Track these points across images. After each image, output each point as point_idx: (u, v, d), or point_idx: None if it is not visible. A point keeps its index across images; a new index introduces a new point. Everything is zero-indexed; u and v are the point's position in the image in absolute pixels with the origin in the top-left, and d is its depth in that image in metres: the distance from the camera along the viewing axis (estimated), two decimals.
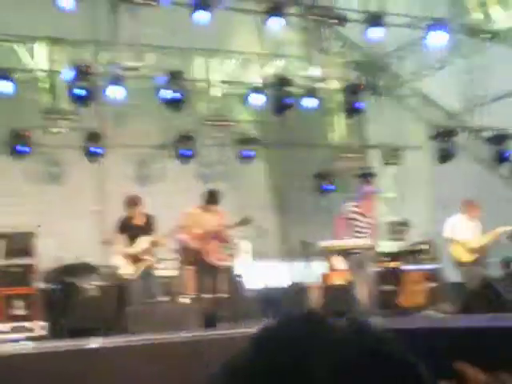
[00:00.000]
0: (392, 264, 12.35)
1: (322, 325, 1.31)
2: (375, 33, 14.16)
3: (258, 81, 16.41)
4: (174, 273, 12.34)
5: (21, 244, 7.87)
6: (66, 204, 14.63)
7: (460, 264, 11.25)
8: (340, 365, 1.23)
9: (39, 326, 10.32)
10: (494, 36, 14.92)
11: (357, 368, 1.23)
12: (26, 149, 14.27)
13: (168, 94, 14.18)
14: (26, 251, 8.73)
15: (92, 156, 14.90)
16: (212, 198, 10.27)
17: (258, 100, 15.92)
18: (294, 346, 1.26)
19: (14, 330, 10.28)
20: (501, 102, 15.80)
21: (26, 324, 10.37)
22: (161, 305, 10.34)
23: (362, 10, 14.32)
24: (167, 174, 16.28)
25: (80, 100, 13.89)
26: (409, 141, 17.63)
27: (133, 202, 10.30)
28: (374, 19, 13.93)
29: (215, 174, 15.95)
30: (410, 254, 11.30)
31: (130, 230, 10.35)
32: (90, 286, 11.59)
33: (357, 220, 10.13)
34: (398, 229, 16.08)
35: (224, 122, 16.07)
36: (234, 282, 11.91)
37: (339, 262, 10.44)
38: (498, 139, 15.87)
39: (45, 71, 14.82)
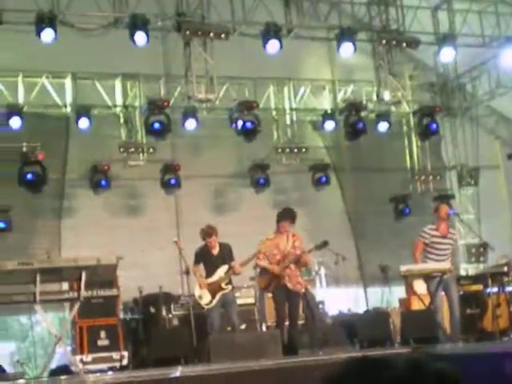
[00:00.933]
0: (474, 287, 12.09)
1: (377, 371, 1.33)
2: (447, 54, 14.08)
3: (329, 106, 16.46)
4: (252, 300, 12.39)
5: (104, 276, 8.03)
6: (145, 235, 14.87)
7: None
8: None
9: (121, 357, 10.49)
10: None
11: None
12: (106, 182, 14.65)
13: (241, 123, 14.36)
14: (108, 283, 8.92)
15: (168, 187, 15.18)
16: (289, 214, 10.25)
17: (330, 126, 15.97)
18: None
19: (97, 360, 10.47)
20: None
21: (109, 354, 10.55)
22: (241, 333, 10.38)
23: (434, 31, 14.24)
24: (242, 202, 16.40)
25: (156, 133, 14.22)
26: (486, 160, 17.35)
27: (209, 232, 10.41)
28: (446, 40, 13.84)
29: (290, 201, 15.95)
30: (492, 277, 11.04)
31: (208, 259, 10.46)
32: (171, 315, 11.74)
33: (436, 243, 9.98)
34: (478, 251, 15.79)
35: (297, 148, 16.13)
36: (315, 309, 11.85)
37: (420, 286, 10.28)
38: None
39: (121, 106, 15.21)
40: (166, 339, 10.25)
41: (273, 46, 13.15)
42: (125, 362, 10.51)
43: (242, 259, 10.35)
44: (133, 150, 14.93)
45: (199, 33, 12.88)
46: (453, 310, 9.96)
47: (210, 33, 12.84)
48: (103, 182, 14.68)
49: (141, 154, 15.06)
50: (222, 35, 12.90)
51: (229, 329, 10.44)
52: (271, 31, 13.17)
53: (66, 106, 14.64)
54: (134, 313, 11.90)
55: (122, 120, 15.37)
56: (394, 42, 13.94)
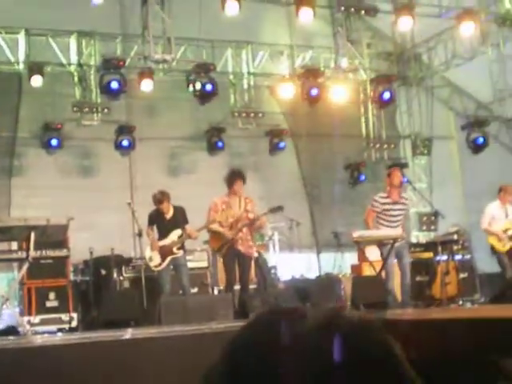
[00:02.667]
0: (424, 254, 12.27)
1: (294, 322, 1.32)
2: (405, 23, 14.08)
3: (287, 72, 16.41)
4: (205, 264, 12.40)
5: (54, 236, 7.92)
6: (98, 196, 14.75)
7: (497, 253, 11.16)
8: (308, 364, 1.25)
9: (71, 318, 10.41)
10: None
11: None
12: (58, 142, 14.44)
13: (198, 86, 14.23)
14: (59, 243, 8.80)
15: (122, 148, 15.03)
16: (240, 174, 10.17)
17: (287, 91, 15.91)
18: (260, 352, 1.28)
19: (46, 321, 10.37)
20: None
21: (58, 316, 10.46)
22: (192, 296, 10.39)
23: (392, 0, 14.24)
24: (197, 165, 16.34)
25: (111, 93, 14.00)
26: (439, 131, 17.53)
27: (160, 199, 10.33)
28: (404, 10, 13.84)
29: (245, 165, 15.95)
30: (442, 245, 11.21)
31: (161, 223, 10.41)
32: (122, 278, 11.68)
33: (388, 210, 10.06)
34: (429, 219, 16.01)
35: (254, 113, 16.09)
36: (267, 273, 11.93)
37: (372, 253, 10.38)
38: None
39: (76, 65, 14.93)
40: (116, 301, 10.20)
41: (231, 7, 12.99)
42: (74, 323, 10.43)
43: (197, 226, 10.31)
44: (87, 109, 14.71)
45: None
46: (404, 276, 10.08)
47: None
48: (55, 142, 14.47)
49: (95, 114, 14.83)
50: None
51: (180, 292, 10.43)
52: None
53: (18, 63, 14.31)
54: (85, 274, 11.79)
55: (76, 79, 15.09)
56: (353, 9, 13.93)
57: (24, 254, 6.97)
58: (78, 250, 10.65)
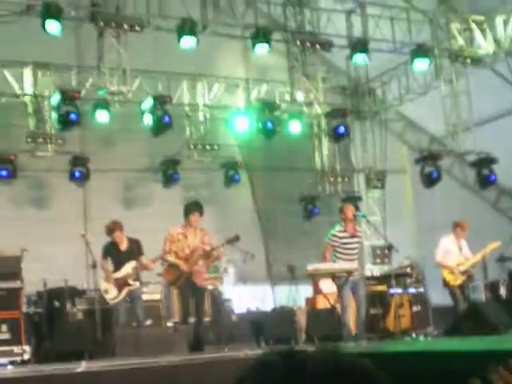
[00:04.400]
0: (378, 287, 12.36)
1: (299, 365, 1.35)
2: (359, 58, 14.33)
3: (242, 105, 16.51)
4: (158, 296, 12.32)
5: (6, 268, 7.80)
6: (51, 228, 14.58)
7: (449, 287, 11.30)
8: None
9: (23, 351, 10.23)
10: (477, 61, 15.09)
11: None
12: (10, 173, 14.26)
13: (153, 118, 14.22)
14: (12, 275, 8.66)
15: (77, 180, 14.92)
16: (198, 207, 10.19)
17: (242, 124, 16.00)
18: None
19: None
20: (485, 126, 15.98)
21: (10, 348, 10.27)
22: (147, 329, 10.29)
23: (347, 35, 14.48)
24: (152, 197, 16.29)
25: (66, 124, 13.88)
26: (393, 165, 17.79)
27: (111, 228, 10.28)
28: (359, 45, 14.09)
29: (200, 198, 15.93)
30: (395, 278, 11.32)
31: (116, 254, 10.33)
32: (76, 309, 11.53)
33: (346, 243, 10.14)
34: (383, 252, 16.16)
35: (209, 145, 16.12)
36: (221, 305, 11.89)
37: (326, 286, 10.43)
38: (482, 163, 15.97)
39: (31, 96, 14.84)
40: (69, 333, 10.07)
41: (188, 41, 13.08)
42: (26, 356, 10.25)
43: (153, 256, 10.26)
44: (41, 140, 14.59)
45: (113, 24, 12.70)
46: (359, 309, 10.13)
47: (124, 25, 12.68)
48: (9, 172, 14.29)
49: (49, 145, 14.72)
50: (137, 28, 12.75)
51: (134, 324, 10.32)
52: (186, 26, 13.08)
53: None
54: (38, 306, 11.61)
55: (30, 109, 15.00)
56: (308, 44, 14.08)
57: None
58: (31, 281, 10.50)
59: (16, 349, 10.19)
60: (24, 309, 11.01)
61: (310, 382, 1.33)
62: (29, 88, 14.81)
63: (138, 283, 10.23)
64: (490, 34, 15.09)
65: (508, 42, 14.72)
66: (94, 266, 10.28)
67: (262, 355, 1.44)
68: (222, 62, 17.03)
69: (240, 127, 16.12)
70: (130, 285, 10.07)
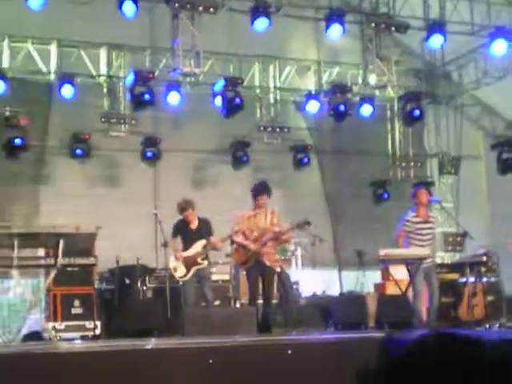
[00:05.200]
0: (450, 275, 12.12)
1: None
2: (436, 41, 14.01)
3: (313, 87, 16.39)
4: (227, 277, 12.38)
5: (81, 244, 7.95)
6: (123, 207, 14.78)
7: None
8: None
9: (95, 326, 10.44)
10: None
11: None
12: (85, 152, 14.55)
13: (224, 100, 14.24)
14: (86, 252, 8.80)
15: (148, 160, 15.11)
16: (266, 188, 10.14)
17: (313, 107, 15.88)
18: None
19: (70, 328, 10.42)
20: None
21: (82, 323, 10.50)
22: (216, 308, 10.35)
23: (423, 17, 14.17)
24: (221, 178, 16.33)
25: (139, 105, 14.06)
26: (467, 150, 17.40)
27: (184, 206, 10.34)
28: (435, 27, 13.77)
29: (269, 180, 15.88)
30: (470, 266, 11.06)
31: (186, 233, 10.39)
32: (146, 287, 11.69)
33: (419, 229, 9.95)
34: (457, 240, 15.83)
35: (279, 128, 16.08)
36: (289, 288, 11.85)
37: (396, 272, 10.26)
38: None
39: (105, 76, 15.07)
40: (139, 311, 10.22)
41: (261, 23, 13.03)
42: (97, 331, 10.46)
43: (222, 235, 10.27)
44: (115, 120, 14.91)
45: (188, 6, 12.74)
46: (432, 297, 9.94)
47: (198, 6, 12.70)
48: (83, 152, 14.59)
49: (122, 126, 15.02)
50: (211, 9, 12.76)
51: (203, 304, 10.39)
52: (260, 8, 13.03)
53: (49, 73, 14.47)
54: (109, 283, 11.84)
55: (105, 90, 15.26)
56: (383, 26, 13.85)
57: (52, 261, 6.99)
58: (103, 258, 10.67)
59: (88, 324, 10.42)
60: (96, 285, 11.24)
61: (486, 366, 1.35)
62: (104, 69, 15.05)
63: (206, 262, 10.27)
64: None
65: None
66: (165, 245, 10.37)
67: (419, 337, 1.48)
68: (294, 44, 16.91)
69: (311, 110, 16.01)
70: (199, 263, 10.11)
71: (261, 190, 10.07)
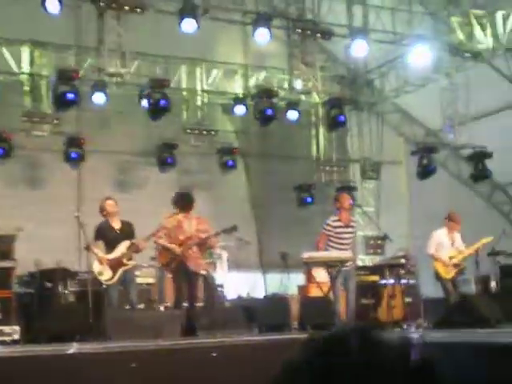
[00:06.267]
0: (370, 278, 12.38)
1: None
2: (359, 48, 14.27)
3: (240, 91, 16.48)
4: (152, 280, 12.30)
5: (0, 247, 7.78)
6: (45, 208, 14.53)
7: (442, 280, 11.32)
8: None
9: (13, 331, 10.20)
10: (476, 56, 15.08)
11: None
12: (6, 151, 14.22)
13: (150, 101, 14.17)
14: (4, 254, 8.62)
15: (72, 161, 14.87)
16: (189, 202, 10.16)
17: (240, 110, 15.97)
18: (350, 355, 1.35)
19: None
20: (481, 120, 15.98)
21: (0, 328, 10.25)
22: (139, 312, 10.27)
23: (347, 25, 14.42)
24: (147, 181, 16.23)
25: (63, 104, 13.84)
26: (389, 156, 17.79)
27: (102, 206, 10.22)
28: (359, 35, 14.03)
29: (196, 183, 15.93)
30: (389, 268, 11.33)
31: (109, 235, 10.27)
32: (67, 291, 11.49)
33: (339, 233, 10.13)
34: (377, 243, 16.18)
35: (206, 130, 16.10)
36: (214, 291, 11.86)
37: (319, 274, 10.42)
38: (478, 157, 16.02)
39: (28, 74, 14.77)
40: (61, 315, 10.04)
41: (188, 25, 13.01)
42: (16, 336, 10.21)
43: (145, 235, 10.20)
44: (37, 119, 14.58)
45: (114, 5, 12.64)
46: (349, 299, 10.14)
47: (125, 6, 12.62)
48: (4, 151, 14.24)
49: (45, 125, 14.70)
50: (138, 9, 12.70)
51: (127, 307, 10.29)
52: (187, 10, 13.02)
53: None
54: (29, 287, 11.57)
55: (27, 88, 14.94)
56: (309, 32, 14.05)
57: None
58: (23, 261, 10.47)
59: (6, 328, 10.17)
60: (15, 289, 10.98)
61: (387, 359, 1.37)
62: (26, 66, 14.75)
63: (132, 262, 10.17)
64: (490, 29, 15.06)
65: (507, 37, 14.68)
66: (88, 248, 10.22)
67: (335, 332, 1.50)
68: (222, 47, 16.97)
69: (237, 113, 16.10)
70: (125, 265, 10.01)
71: (184, 200, 10.07)
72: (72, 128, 15.21)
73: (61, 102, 13.87)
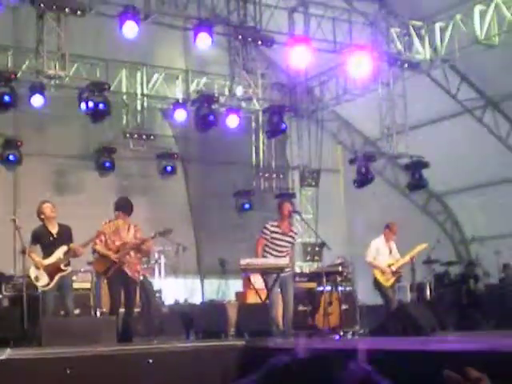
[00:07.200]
0: (308, 284, 12.49)
1: None
2: (299, 56, 14.38)
3: (181, 96, 16.45)
4: (88, 285, 12.17)
5: None
6: None
7: (381, 287, 11.48)
8: None
9: None
10: (414, 66, 15.38)
11: None
12: None
13: (89, 104, 14.02)
14: None
15: (8, 163, 14.63)
16: (129, 206, 10.11)
17: (180, 116, 15.95)
18: None
19: None
20: (418, 130, 16.30)
21: None
22: (75, 318, 10.14)
23: (288, 33, 14.55)
24: (85, 184, 16.08)
25: (1, 106, 13.58)
26: (327, 164, 17.97)
27: (40, 209, 10.06)
28: (299, 43, 14.16)
29: (134, 187, 15.84)
30: (327, 275, 11.44)
31: (46, 239, 10.11)
32: (1, 296, 11.29)
33: (276, 239, 10.16)
34: (315, 250, 16.33)
35: (146, 135, 16.03)
36: (151, 297, 11.82)
37: (257, 281, 10.45)
38: (415, 166, 16.32)
39: None
40: None
41: (129, 29, 12.93)
42: None
43: (83, 241, 10.08)
44: None
45: (54, 7, 12.45)
46: (287, 306, 10.18)
47: (65, 8, 12.44)
48: None
49: None
50: (78, 12, 12.53)
51: (62, 313, 10.15)
52: (129, 14, 12.93)
53: None
54: None
55: None
56: (250, 39, 14.11)
57: None
58: None
59: None
60: None
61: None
62: None
63: (70, 268, 10.03)
64: (428, 41, 15.39)
65: (444, 49, 15.01)
66: (24, 252, 10.04)
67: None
68: (163, 52, 16.93)
69: (177, 118, 16.08)
70: (62, 270, 9.87)
71: (121, 206, 10.00)
72: (9, 130, 14.98)
73: None
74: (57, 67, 13.03)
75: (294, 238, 10.50)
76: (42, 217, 9.98)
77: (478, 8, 14.04)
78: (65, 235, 10.08)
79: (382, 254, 11.63)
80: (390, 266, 11.53)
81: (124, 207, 9.95)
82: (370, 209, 16.95)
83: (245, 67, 14.96)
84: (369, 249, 11.65)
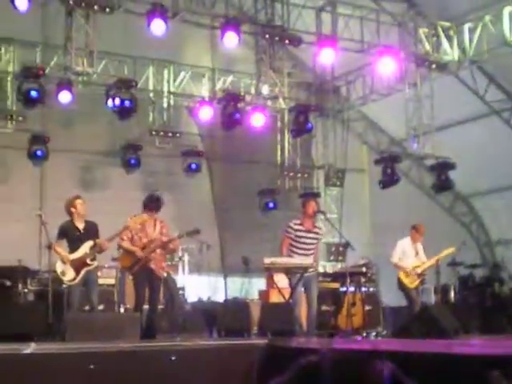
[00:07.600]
0: (331, 285, 12.44)
1: None
2: (327, 55, 14.36)
3: (207, 94, 16.48)
4: (112, 281, 12.22)
5: None
6: (6, 205, 14.40)
7: (405, 289, 11.43)
8: None
9: None
10: (442, 67, 15.29)
11: None
12: None
13: (116, 101, 14.10)
14: None
15: (35, 158, 14.75)
16: (157, 203, 10.14)
17: (206, 114, 15.98)
18: None
19: None
20: (445, 131, 16.19)
21: None
22: (100, 313, 10.20)
23: (316, 32, 14.52)
24: (111, 181, 16.16)
25: (28, 101, 13.72)
26: (352, 164, 17.91)
27: (72, 204, 10.12)
28: (327, 42, 14.13)
29: (159, 185, 15.89)
30: (350, 276, 11.40)
31: (73, 234, 10.16)
32: (27, 290, 11.38)
33: (301, 237, 10.12)
34: (339, 250, 16.27)
35: (171, 132, 16.08)
36: (175, 294, 11.86)
37: (281, 280, 10.43)
38: (441, 168, 16.21)
39: None
40: (19, 314, 9.92)
41: (157, 26, 12.98)
42: None
43: (108, 236, 10.13)
44: (1, 116, 14.46)
45: (83, 4, 12.55)
46: (311, 306, 10.15)
47: (94, 5, 12.54)
48: None
49: (9, 122, 14.57)
50: (107, 9, 12.63)
51: (87, 308, 10.22)
52: (157, 11, 12.99)
53: None
54: None
55: None
56: (277, 38, 14.13)
57: None
58: None
59: None
60: None
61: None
62: None
63: (95, 263, 10.08)
64: (456, 42, 15.28)
65: (473, 50, 14.91)
66: (50, 247, 10.12)
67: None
68: (190, 50, 16.97)
69: (203, 116, 16.10)
70: (88, 265, 9.92)
71: (150, 203, 10.03)
72: (37, 126, 15.09)
73: (25, 99, 13.75)
74: (85, 64, 13.12)
75: (318, 233, 10.45)
76: (73, 210, 10.03)
77: (507, 9, 13.95)
78: (91, 231, 10.15)
79: (408, 255, 11.56)
80: (415, 268, 11.46)
81: (149, 204, 9.99)
82: (394, 210, 16.87)
83: (271, 66, 14.97)
84: (395, 249, 11.60)
